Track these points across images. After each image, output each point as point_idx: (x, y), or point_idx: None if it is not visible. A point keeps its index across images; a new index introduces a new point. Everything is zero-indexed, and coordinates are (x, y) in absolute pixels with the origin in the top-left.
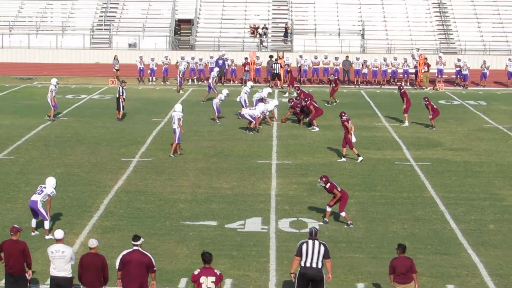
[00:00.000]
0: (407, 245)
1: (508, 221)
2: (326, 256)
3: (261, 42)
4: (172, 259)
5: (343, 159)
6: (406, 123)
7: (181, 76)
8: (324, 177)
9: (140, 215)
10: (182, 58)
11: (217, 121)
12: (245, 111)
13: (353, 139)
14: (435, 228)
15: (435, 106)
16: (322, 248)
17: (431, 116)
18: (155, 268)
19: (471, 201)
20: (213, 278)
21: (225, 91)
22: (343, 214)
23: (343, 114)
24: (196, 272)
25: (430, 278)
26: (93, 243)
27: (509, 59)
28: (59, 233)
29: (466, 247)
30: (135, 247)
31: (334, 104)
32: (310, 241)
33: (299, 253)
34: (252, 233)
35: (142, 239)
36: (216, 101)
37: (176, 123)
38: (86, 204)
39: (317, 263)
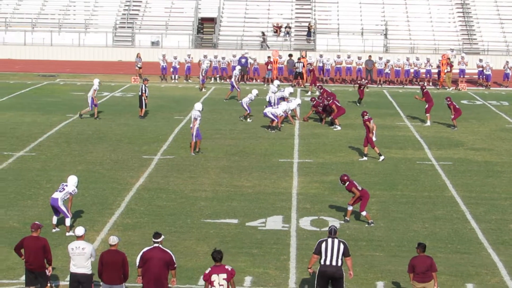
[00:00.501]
0: (427, 244)
1: None
2: (346, 253)
3: (264, 41)
4: (193, 256)
5: (365, 158)
6: (428, 123)
7: (203, 75)
8: (345, 176)
9: (161, 213)
10: (205, 56)
11: (249, 119)
12: (268, 110)
13: (374, 138)
14: (455, 227)
15: (457, 106)
16: (342, 246)
17: (453, 116)
18: (175, 265)
19: (492, 201)
20: (224, 275)
21: (254, 91)
22: (363, 213)
23: (365, 113)
24: (207, 271)
25: (450, 277)
26: (113, 240)
27: None
28: (80, 230)
29: (486, 246)
30: (156, 244)
31: (359, 105)
32: (330, 240)
33: (317, 251)
34: (273, 231)
35: (162, 236)
36: (246, 100)
37: (193, 122)
38: (107, 201)
39: (336, 261)
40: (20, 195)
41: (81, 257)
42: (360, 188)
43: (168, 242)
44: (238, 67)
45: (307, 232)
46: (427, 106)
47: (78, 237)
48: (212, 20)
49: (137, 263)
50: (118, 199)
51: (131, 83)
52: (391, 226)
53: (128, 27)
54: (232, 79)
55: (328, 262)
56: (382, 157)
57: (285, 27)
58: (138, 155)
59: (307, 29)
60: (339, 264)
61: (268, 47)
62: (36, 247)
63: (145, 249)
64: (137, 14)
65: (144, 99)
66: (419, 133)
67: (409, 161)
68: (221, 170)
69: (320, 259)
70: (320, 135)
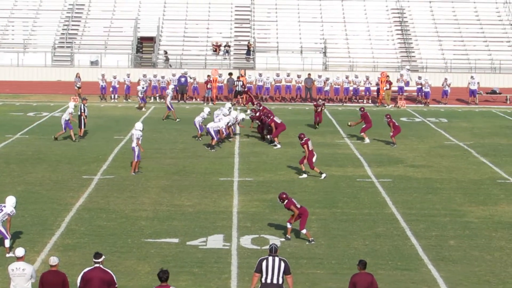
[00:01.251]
0: (368, 261)
1: (468, 237)
2: (287, 272)
3: (167, 59)
4: (134, 276)
5: (304, 175)
6: (367, 140)
7: (140, 96)
8: (283, 194)
9: (101, 233)
10: (144, 75)
11: (200, 139)
12: (210, 125)
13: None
14: (396, 244)
15: (396, 124)
16: (283, 264)
17: (392, 133)
18: (116, 285)
19: (432, 217)
20: None
21: (206, 109)
22: (304, 231)
23: (302, 136)
24: None
25: None
26: (54, 260)
27: (471, 77)
28: (20, 251)
29: (427, 263)
30: (96, 265)
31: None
32: (270, 258)
33: (258, 270)
34: (214, 250)
35: (103, 257)
36: (198, 119)
37: (135, 141)
38: (47, 222)
39: (277, 279)
40: None
41: (21, 278)
42: (299, 206)
43: (108, 262)
44: (171, 87)
45: (248, 251)
46: (364, 126)
47: (18, 258)
48: (151, 39)
49: (78, 284)
50: (58, 220)
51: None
52: (331, 244)
53: (67, 46)
54: (167, 100)
55: (269, 281)
56: (324, 175)
57: (225, 46)
58: (78, 175)
59: (246, 48)
60: (280, 282)
61: (171, 66)
62: None
63: (85, 270)
64: (76, 34)
65: (84, 119)
66: (358, 150)
67: (349, 179)
68: (161, 190)
69: (261, 277)
70: (260, 154)
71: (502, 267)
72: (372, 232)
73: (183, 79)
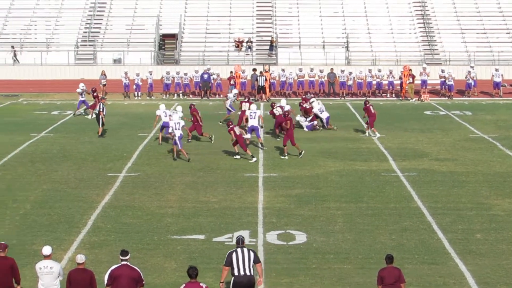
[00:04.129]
0: (394, 255)
1: (495, 230)
2: (256, 260)
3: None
4: (160, 273)
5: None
6: (377, 134)
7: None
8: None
9: (127, 230)
10: (167, 73)
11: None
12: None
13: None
14: (422, 238)
15: (372, 111)
16: (252, 254)
17: (368, 121)
18: (143, 282)
19: (458, 211)
20: None
21: (234, 91)
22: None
23: (229, 123)
24: (181, 287)
25: None
26: (81, 258)
27: (496, 69)
28: (47, 249)
29: (453, 256)
30: (124, 262)
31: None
32: (239, 249)
33: (228, 263)
34: None
35: (129, 254)
36: (228, 103)
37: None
38: (73, 220)
39: (249, 269)
40: None
41: (49, 276)
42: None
43: (135, 259)
44: (235, 91)
45: (274, 246)
46: (368, 120)
47: (46, 257)
48: (173, 36)
49: (105, 281)
50: (85, 217)
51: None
52: (358, 238)
53: (89, 45)
54: (228, 103)
55: (242, 272)
56: (285, 157)
57: (247, 42)
58: (103, 173)
59: (269, 43)
60: (251, 272)
61: (18, 62)
62: (4, 267)
63: (113, 267)
64: (99, 32)
65: (102, 118)
66: (383, 144)
67: (374, 173)
68: (186, 186)
69: (233, 270)
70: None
71: None
72: (398, 226)
73: (206, 76)
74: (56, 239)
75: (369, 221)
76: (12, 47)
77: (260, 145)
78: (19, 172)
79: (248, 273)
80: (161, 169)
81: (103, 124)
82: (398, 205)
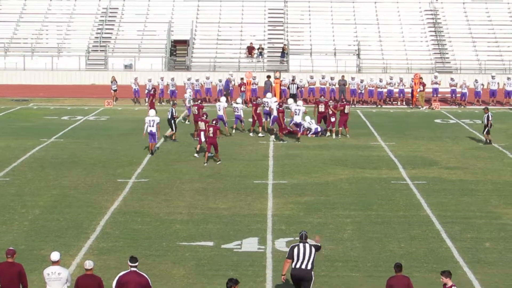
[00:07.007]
0: (403, 264)
1: (504, 239)
2: (318, 249)
3: None
4: (169, 279)
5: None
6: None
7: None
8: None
9: (136, 236)
10: (189, 79)
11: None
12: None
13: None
14: (431, 246)
15: (346, 111)
16: (313, 249)
17: (339, 122)
18: None
19: (467, 219)
20: None
21: (239, 100)
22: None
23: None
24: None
25: None
26: (89, 264)
27: (508, 78)
28: (55, 255)
29: (462, 265)
30: (132, 268)
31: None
32: (301, 244)
33: (290, 256)
34: (249, 253)
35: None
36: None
37: (155, 126)
38: (82, 225)
39: (307, 264)
40: None
41: (57, 282)
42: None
43: (143, 266)
44: (188, 90)
45: (283, 254)
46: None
47: (54, 262)
48: (185, 42)
49: (113, 287)
50: (93, 223)
51: (104, 106)
52: (367, 246)
53: (101, 50)
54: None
55: (298, 266)
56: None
57: (258, 49)
58: (112, 178)
59: (281, 50)
60: (309, 267)
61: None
62: (11, 273)
63: (121, 273)
64: (110, 37)
65: (174, 122)
66: (393, 152)
67: (384, 181)
68: (196, 193)
69: (292, 262)
70: (294, 156)
71: None
72: (407, 235)
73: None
74: (64, 245)
75: (378, 229)
76: None
77: (297, 140)
78: (29, 177)
79: (305, 267)
80: (171, 175)
81: (175, 129)
82: (407, 213)
